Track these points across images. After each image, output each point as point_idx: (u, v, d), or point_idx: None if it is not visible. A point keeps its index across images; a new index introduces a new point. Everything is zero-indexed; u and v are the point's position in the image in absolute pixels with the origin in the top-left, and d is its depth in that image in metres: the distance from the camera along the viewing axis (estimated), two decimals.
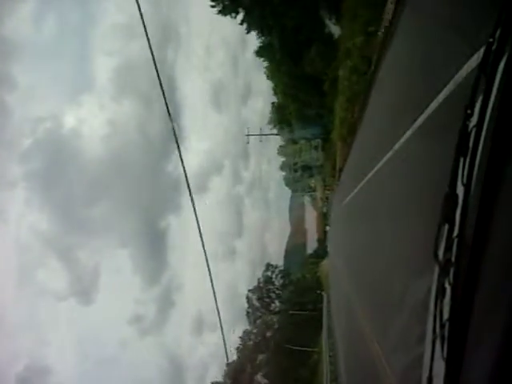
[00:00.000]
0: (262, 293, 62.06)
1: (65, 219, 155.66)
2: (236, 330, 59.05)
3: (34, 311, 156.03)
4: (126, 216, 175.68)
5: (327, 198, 67.90)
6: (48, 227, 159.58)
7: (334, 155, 39.34)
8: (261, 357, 57.35)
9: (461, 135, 1.25)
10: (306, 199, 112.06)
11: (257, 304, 61.71)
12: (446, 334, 1.19)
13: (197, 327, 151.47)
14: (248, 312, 61.20)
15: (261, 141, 61.27)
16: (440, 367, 1.21)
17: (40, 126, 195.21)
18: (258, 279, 63.47)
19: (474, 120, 1.18)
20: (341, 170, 33.53)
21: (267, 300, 61.99)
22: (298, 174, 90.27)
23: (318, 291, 64.89)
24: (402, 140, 9.17)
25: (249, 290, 62.67)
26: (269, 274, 64.10)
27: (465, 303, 1.08)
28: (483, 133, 1.09)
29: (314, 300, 60.65)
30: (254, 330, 59.66)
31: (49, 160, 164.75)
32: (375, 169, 13.01)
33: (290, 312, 58.03)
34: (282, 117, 58.93)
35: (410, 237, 7.37)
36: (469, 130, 1.21)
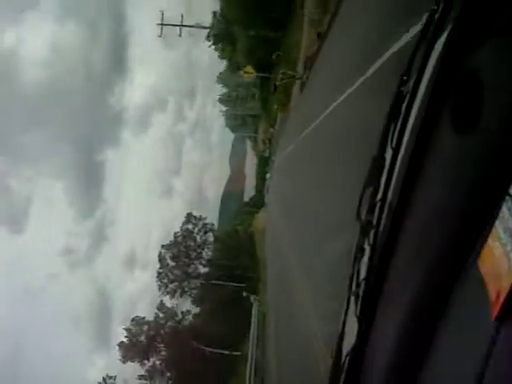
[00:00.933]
0: (180, 250, 48.09)
1: None
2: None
3: None
4: (62, 146, 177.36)
5: (270, 141, 61.52)
6: None
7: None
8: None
9: (394, 100, 1.25)
10: (249, 144, 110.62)
11: (171, 263, 47.89)
12: (361, 292, 1.25)
13: (128, 263, 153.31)
14: (160, 273, 47.34)
15: (180, 35, 45.92)
16: (353, 324, 1.25)
17: None
18: (175, 234, 49.24)
19: (408, 87, 1.19)
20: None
21: (185, 260, 48.26)
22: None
23: (251, 252, 52.69)
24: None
25: (162, 246, 48.52)
26: (189, 226, 49.94)
27: (381, 265, 1.14)
28: (416, 101, 1.10)
29: (245, 264, 47.87)
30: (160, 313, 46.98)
31: None
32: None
33: (213, 281, 44.77)
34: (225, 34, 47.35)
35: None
36: (403, 95, 1.22)
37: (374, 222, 1.22)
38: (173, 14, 49.76)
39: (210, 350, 41.65)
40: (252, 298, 36.36)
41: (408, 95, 1.16)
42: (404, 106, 1.17)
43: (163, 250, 49.06)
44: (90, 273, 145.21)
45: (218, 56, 62.53)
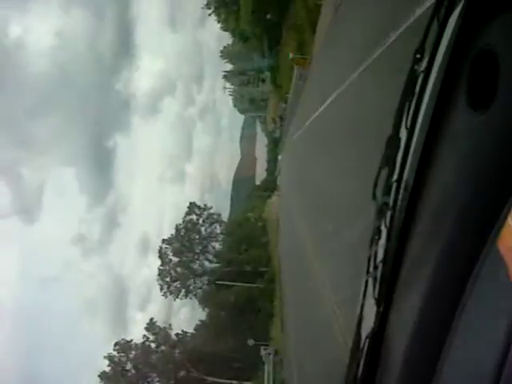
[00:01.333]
0: (183, 244, 42.22)
1: (6, 134, 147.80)
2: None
3: None
4: (72, 133, 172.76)
5: (281, 119, 56.21)
6: None
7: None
8: None
9: (408, 79, 1.22)
10: (258, 126, 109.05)
11: (174, 259, 42.09)
12: (379, 275, 1.25)
13: (142, 249, 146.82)
14: (161, 271, 41.60)
15: None
16: (371, 306, 1.26)
17: None
18: (177, 226, 43.26)
19: (422, 65, 1.16)
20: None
21: (189, 255, 42.39)
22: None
23: (263, 242, 47.03)
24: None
25: (163, 241, 42.64)
26: (193, 217, 43.92)
27: (398, 246, 1.14)
28: (430, 79, 1.08)
29: (256, 257, 41.96)
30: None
31: None
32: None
33: (220, 282, 38.89)
34: None
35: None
36: (417, 74, 1.18)
37: (391, 203, 1.22)
38: None
39: (214, 380, 34.98)
40: (263, 352, 29.76)
41: (422, 73, 1.13)
42: (418, 84, 1.14)
43: (164, 245, 43.20)
44: (104, 260, 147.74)
45: (221, 27, 56.10)
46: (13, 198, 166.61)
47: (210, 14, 47.91)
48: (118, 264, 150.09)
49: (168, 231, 46.18)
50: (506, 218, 0.72)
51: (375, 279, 1.26)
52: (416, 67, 1.17)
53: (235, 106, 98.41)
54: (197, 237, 44.76)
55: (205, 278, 44.57)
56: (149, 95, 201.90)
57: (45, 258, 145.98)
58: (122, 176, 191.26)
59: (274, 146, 72.07)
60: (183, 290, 43.21)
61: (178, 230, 43.98)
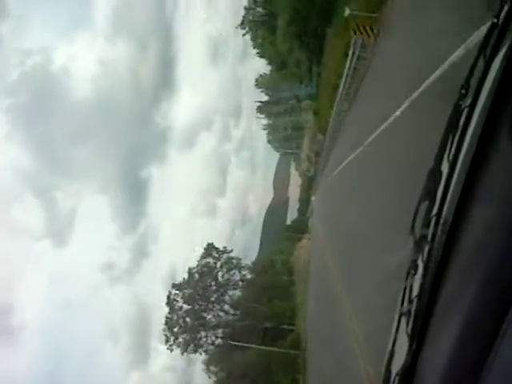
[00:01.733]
0: (196, 290, 36.36)
1: (45, 158, 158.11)
2: None
3: (5, 248, 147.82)
4: (108, 161, 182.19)
5: (317, 154, 52.96)
6: (28, 164, 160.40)
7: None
8: None
9: (452, 113, 1.25)
10: (293, 165, 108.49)
11: (185, 307, 36.19)
12: (413, 310, 1.22)
13: (168, 281, 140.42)
14: (168, 320, 35.70)
15: None
16: (403, 342, 1.24)
17: (29, 58, 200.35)
18: (190, 269, 37.50)
19: (467, 101, 1.18)
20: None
21: (201, 304, 36.34)
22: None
23: (290, 292, 41.41)
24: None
25: (173, 286, 36.86)
26: (210, 261, 38.16)
27: (434, 283, 1.12)
28: (475, 115, 1.08)
29: (280, 312, 35.85)
30: None
31: (34, 95, 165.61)
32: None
33: (234, 342, 32.66)
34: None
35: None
36: (461, 109, 1.20)
37: (429, 237, 1.20)
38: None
39: None
40: None
41: (466, 109, 1.14)
42: (462, 119, 1.15)
43: (174, 290, 37.37)
44: (130, 289, 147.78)
45: (257, 54, 52.20)
46: (46, 221, 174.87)
47: (244, 35, 44.04)
48: (143, 294, 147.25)
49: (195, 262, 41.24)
50: None
51: (409, 314, 1.24)
52: (461, 102, 1.19)
53: (269, 142, 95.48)
54: (213, 283, 38.86)
55: (218, 331, 38.34)
56: (186, 128, 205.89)
57: (72, 281, 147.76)
58: (154, 206, 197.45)
59: (308, 185, 69.60)
60: (192, 345, 36.99)
61: (191, 273, 38.24)
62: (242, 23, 43.03)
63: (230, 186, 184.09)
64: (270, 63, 51.99)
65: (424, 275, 1.17)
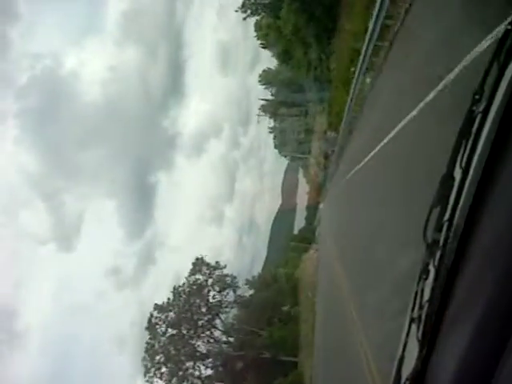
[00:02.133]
0: (181, 313, 30.61)
1: (54, 162, 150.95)
2: None
3: (11, 252, 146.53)
4: (116, 166, 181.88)
5: (326, 157, 48.72)
6: (36, 168, 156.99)
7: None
8: None
9: (465, 119, 1.22)
10: (301, 172, 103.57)
11: (169, 331, 30.47)
12: (424, 315, 1.23)
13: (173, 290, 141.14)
14: (148, 347, 29.98)
15: None
16: (413, 347, 1.24)
17: (39, 62, 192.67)
18: (174, 288, 31.79)
19: (480, 106, 1.17)
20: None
21: (189, 329, 30.57)
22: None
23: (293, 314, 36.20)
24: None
25: (155, 307, 31.14)
26: (200, 277, 32.45)
27: (446, 288, 1.13)
28: (488, 121, 1.09)
29: (280, 340, 30.54)
30: None
31: (44, 99, 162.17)
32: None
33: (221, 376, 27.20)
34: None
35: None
36: (474, 115, 1.19)
37: (441, 242, 1.21)
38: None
39: None
40: None
41: (480, 114, 1.13)
42: (476, 124, 1.14)
43: (155, 313, 31.63)
44: (136, 295, 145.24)
45: (261, 45, 47.05)
46: (52, 224, 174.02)
47: (244, 18, 38.87)
48: (149, 301, 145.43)
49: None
50: None
51: (420, 319, 1.23)
52: (474, 108, 1.18)
53: (276, 147, 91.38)
54: (202, 304, 33.11)
55: (208, 362, 32.52)
56: (195, 135, 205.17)
57: (77, 286, 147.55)
58: (161, 212, 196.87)
59: (316, 192, 64.31)
60: (175, 377, 31.19)
61: (177, 292, 32.51)
62: (243, 6, 37.94)
63: (237, 193, 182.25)
64: (274, 55, 47.20)
65: (435, 280, 1.17)
